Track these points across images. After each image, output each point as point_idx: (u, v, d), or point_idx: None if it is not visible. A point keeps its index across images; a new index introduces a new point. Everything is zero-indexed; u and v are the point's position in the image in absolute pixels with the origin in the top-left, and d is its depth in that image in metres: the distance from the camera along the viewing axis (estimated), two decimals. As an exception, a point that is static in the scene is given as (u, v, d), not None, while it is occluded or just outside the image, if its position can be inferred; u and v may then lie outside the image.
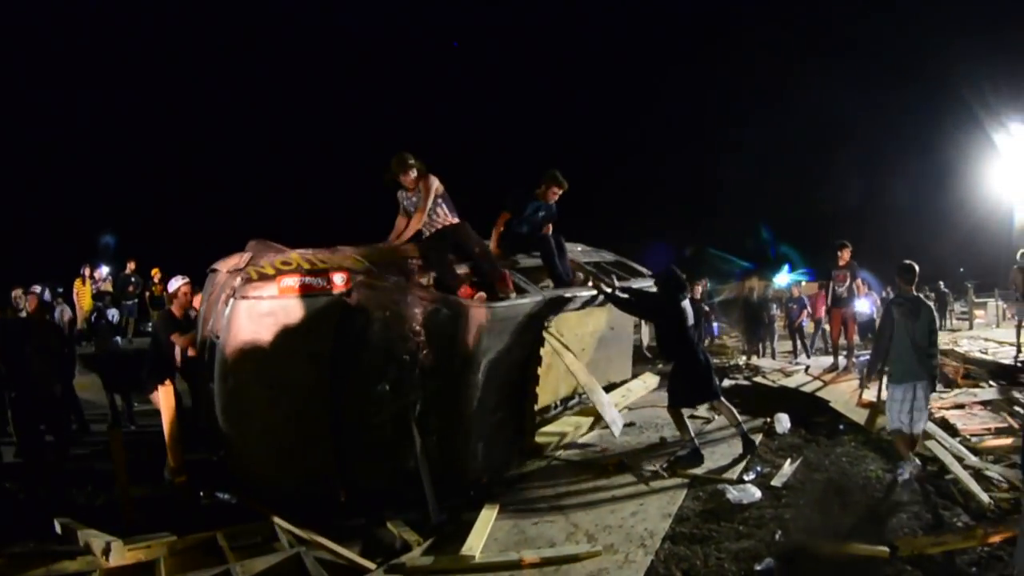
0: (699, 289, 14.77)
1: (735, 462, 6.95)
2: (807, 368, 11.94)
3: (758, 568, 4.62)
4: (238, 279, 5.89)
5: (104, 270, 17.29)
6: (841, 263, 11.57)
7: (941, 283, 23.43)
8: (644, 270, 10.36)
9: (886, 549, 4.70)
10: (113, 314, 10.64)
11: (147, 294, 17.46)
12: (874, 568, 4.57)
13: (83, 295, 15.66)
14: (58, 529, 5.29)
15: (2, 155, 33.16)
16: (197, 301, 7.41)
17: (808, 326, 16.40)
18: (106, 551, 4.66)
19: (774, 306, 16.42)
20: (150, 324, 7.36)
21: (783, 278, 15.24)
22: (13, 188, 33.00)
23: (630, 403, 9.67)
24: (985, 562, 4.59)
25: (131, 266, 17.10)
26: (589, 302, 8.13)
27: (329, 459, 5.87)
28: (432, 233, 7.13)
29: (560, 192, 8.26)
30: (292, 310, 5.73)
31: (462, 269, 7.07)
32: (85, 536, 4.92)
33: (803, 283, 16.49)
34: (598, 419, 8.37)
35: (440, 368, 6.12)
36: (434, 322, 6.06)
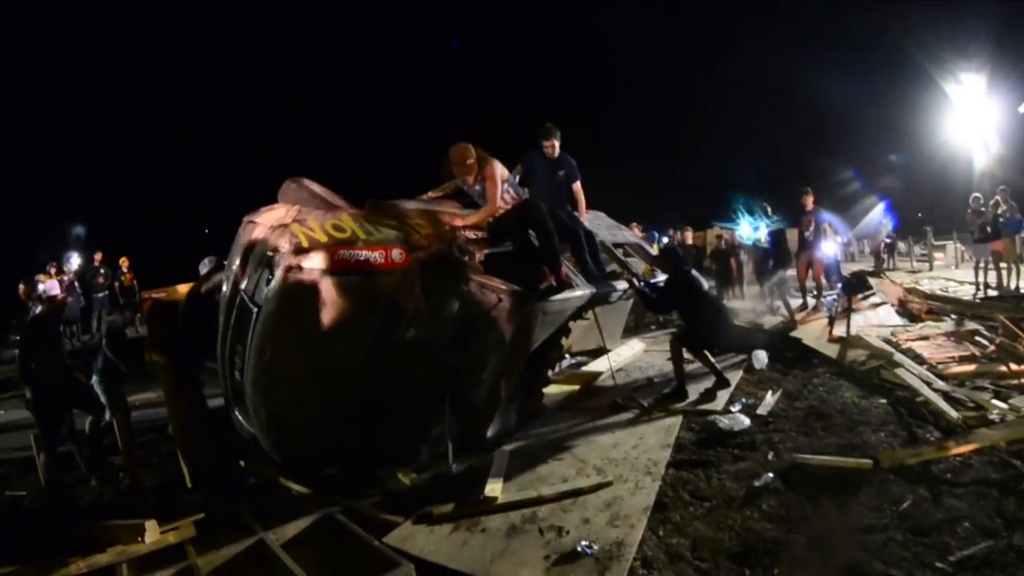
0: (689, 235, 15.12)
1: (718, 397, 7.37)
2: (777, 308, 12.43)
3: (756, 484, 5.02)
4: (285, 241, 5.34)
5: (75, 261, 16.58)
6: (807, 209, 12.00)
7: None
8: (652, 251, 10.61)
9: (869, 461, 5.08)
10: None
11: (116, 284, 17.03)
12: (860, 479, 4.95)
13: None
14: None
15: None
16: None
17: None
18: (141, 532, 4.66)
19: (742, 252, 16.74)
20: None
21: (746, 229, 15.47)
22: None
23: (621, 364, 9.92)
24: (958, 469, 4.99)
25: (98, 257, 16.75)
26: (621, 295, 8.18)
27: (358, 433, 5.73)
28: (509, 212, 6.75)
29: (554, 142, 7.70)
30: (344, 286, 5.29)
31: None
32: (109, 528, 4.91)
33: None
34: (587, 384, 8.73)
35: (487, 355, 6.15)
36: (491, 312, 5.98)
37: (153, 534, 4.70)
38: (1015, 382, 7.01)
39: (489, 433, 6.61)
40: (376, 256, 5.43)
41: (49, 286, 7.23)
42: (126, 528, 4.77)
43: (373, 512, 5.13)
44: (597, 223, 9.33)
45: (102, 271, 16.52)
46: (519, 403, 7.18)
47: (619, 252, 9.24)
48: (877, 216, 24.72)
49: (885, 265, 22.80)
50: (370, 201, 6.12)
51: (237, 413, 6.07)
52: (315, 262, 5.23)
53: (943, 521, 4.26)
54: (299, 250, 5.25)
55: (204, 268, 7.42)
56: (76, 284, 15.52)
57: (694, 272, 7.84)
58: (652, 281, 8.50)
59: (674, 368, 7.74)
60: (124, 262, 17.29)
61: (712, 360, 7.74)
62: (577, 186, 8.04)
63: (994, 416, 5.93)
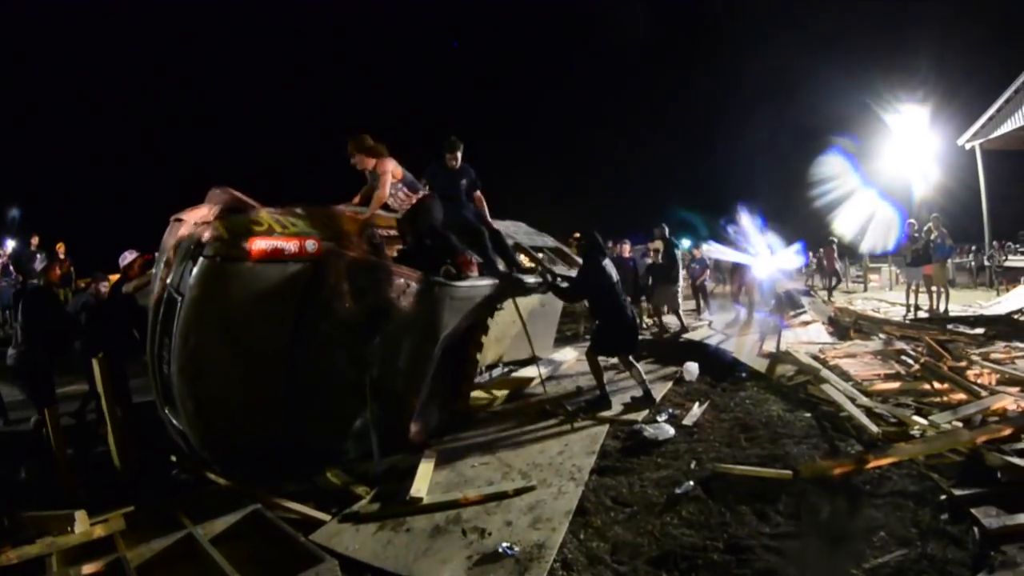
0: (627, 248, 15.26)
1: (643, 407, 7.51)
2: (710, 323, 12.61)
3: (677, 491, 5.10)
4: (207, 234, 5.49)
5: (9, 245, 16.43)
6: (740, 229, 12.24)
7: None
8: (577, 259, 10.69)
9: (790, 472, 5.17)
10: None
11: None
12: (780, 489, 5.03)
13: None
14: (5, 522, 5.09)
15: None
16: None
17: (710, 285, 17.06)
18: (70, 523, 4.62)
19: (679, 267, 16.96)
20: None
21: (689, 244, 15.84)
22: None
23: (552, 372, 9.97)
24: (877, 481, 5.11)
25: (35, 241, 16.29)
26: (535, 288, 8.30)
27: (281, 421, 5.82)
28: (407, 211, 7.16)
29: (456, 154, 8.17)
30: (261, 274, 5.48)
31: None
32: (38, 519, 4.85)
33: (703, 246, 17.09)
34: (516, 390, 8.88)
35: (400, 339, 6.33)
36: (400, 296, 6.23)
37: (83, 525, 4.66)
38: (937, 400, 7.21)
39: (413, 429, 6.73)
40: (291, 246, 5.61)
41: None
42: (55, 519, 4.73)
43: (300, 510, 5.17)
44: (516, 230, 9.59)
45: (39, 256, 15.89)
46: (443, 401, 7.34)
47: (539, 255, 9.43)
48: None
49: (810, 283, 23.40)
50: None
51: (167, 412, 6.11)
52: (233, 252, 5.38)
53: (859, 530, 4.39)
54: (219, 239, 5.39)
55: (124, 260, 7.39)
56: (11, 268, 15.11)
57: (607, 263, 7.94)
58: (565, 274, 8.70)
59: (594, 377, 7.87)
60: (61, 247, 16.54)
61: (643, 376, 7.87)
62: (478, 194, 8.45)
63: (915, 431, 6.07)
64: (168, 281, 5.82)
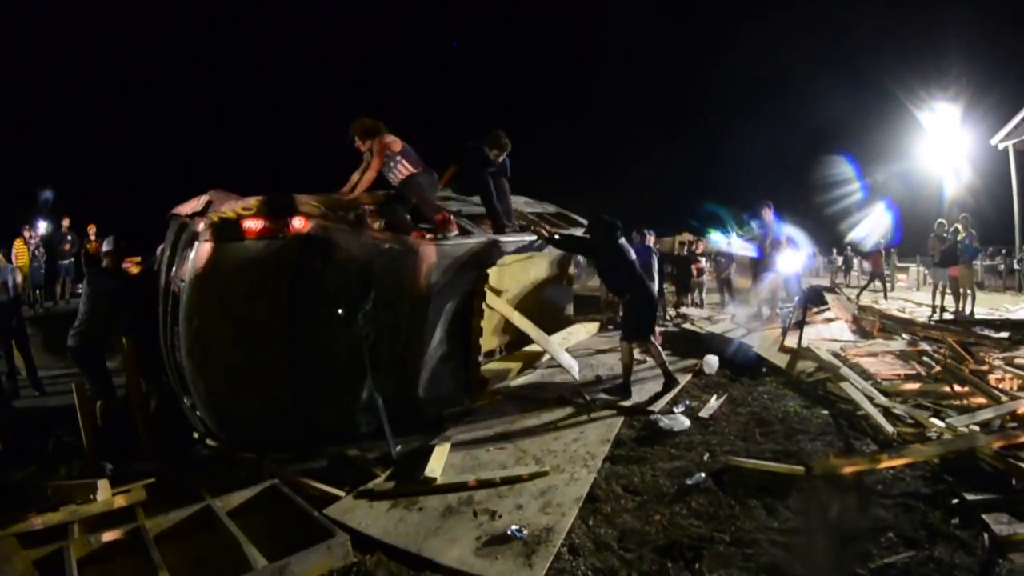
0: (652, 239, 15.24)
1: (661, 397, 7.51)
2: (733, 316, 12.57)
3: (688, 482, 5.14)
4: (201, 223, 5.93)
5: (42, 227, 16.54)
6: (766, 222, 12.14)
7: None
8: (583, 220, 10.75)
9: (802, 468, 5.19)
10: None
11: (83, 252, 16.56)
12: (791, 484, 5.05)
13: (22, 255, 14.71)
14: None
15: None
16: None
17: (736, 279, 16.98)
18: (93, 491, 4.90)
19: (703, 259, 16.86)
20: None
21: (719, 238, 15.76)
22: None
23: (570, 346, 10.05)
24: (889, 482, 5.12)
25: (66, 223, 16.37)
26: (528, 247, 8.57)
27: (290, 395, 6.13)
28: (400, 183, 7.48)
29: (503, 154, 8.48)
30: (253, 251, 5.84)
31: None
32: (62, 487, 5.11)
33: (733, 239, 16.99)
34: (529, 362, 9.03)
35: (392, 303, 6.54)
36: (386, 260, 6.45)
37: (104, 494, 4.92)
38: (956, 402, 7.15)
39: (423, 400, 6.99)
40: (280, 224, 5.94)
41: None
42: (78, 487, 4.98)
43: (316, 485, 5.30)
44: (518, 200, 9.95)
45: (69, 237, 16.12)
46: (453, 371, 7.51)
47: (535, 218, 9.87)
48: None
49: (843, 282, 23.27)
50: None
51: (185, 400, 6.52)
52: (225, 233, 5.77)
53: (868, 530, 4.39)
54: (213, 224, 5.78)
55: (106, 247, 7.30)
56: (40, 249, 15.26)
57: (622, 241, 7.94)
58: (563, 232, 8.96)
59: (623, 365, 7.83)
60: (92, 228, 16.84)
61: (661, 354, 7.86)
62: (502, 181, 8.87)
63: (931, 433, 6.04)
64: (174, 272, 6.33)
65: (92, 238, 16.65)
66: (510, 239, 8.17)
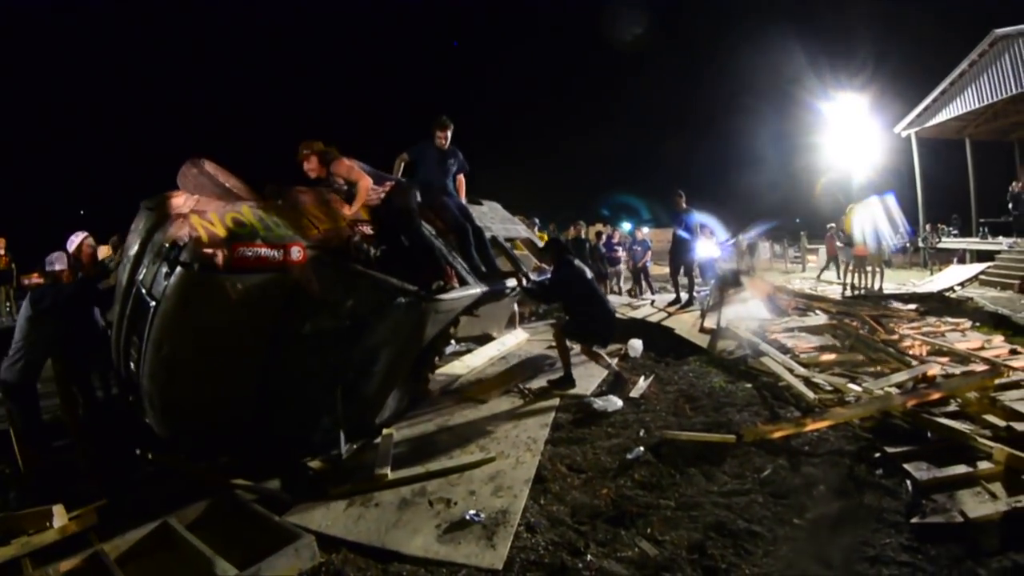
0: (582, 229, 15.44)
1: (598, 385, 7.78)
2: (652, 302, 12.92)
3: (629, 457, 5.40)
4: (183, 234, 5.09)
5: None
6: (679, 209, 12.45)
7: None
8: (539, 242, 10.72)
9: (733, 436, 5.51)
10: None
11: None
12: (725, 452, 5.36)
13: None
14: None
15: None
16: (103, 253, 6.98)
17: (652, 267, 17.36)
18: (48, 518, 4.61)
19: (620, 248, 17.19)
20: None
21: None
22: None
23: (505, 352, 10.16)
24: (815, 443, 5.50)
25: None
26: (510, 292, 8.24)
27: (252, 421, 5.63)
28: (381, 203, 6.74)
29: (447, 133, 7.86)
30: (242, 284, 5.10)
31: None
32: (12, 519, 4.72)
33: (645, 228, 17.40)
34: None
35: (379, 349, 6.18)
36: (385, 309, 5.97)
37: (61, 520, 4.66)
38: (871, 369, 7.62)
39: (379, 419, 6.77)
40: (275, 253, 5.31)
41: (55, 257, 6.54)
42: (30, 517, 4.68)
43: (270, 492, 5.29)
44: (492, 216, 9.56)
45: None
46: (407, 388, 7.33)
47: (509, 246, 9.40)
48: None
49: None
50: (269, 186, 6.12)
51: (131, 400, 5.97)
52: (212, 260, 5.00)
53: (801, 485, 4.72)
54: (198, 243, 5.01)
55: (71, 244, 6.90)
56: None
57: (578, 263, 8.01)
58: (538, 279, 8.63)
59: (560, 357, 7.88)
60: (0, 243, 15.84)
61: (603, 355, 8.02)
62: (460, 178, 8.39)
63: (850, 398, 6.43)
64: (139, 278, 5.39)
65: (1, 252, 15.82)
66: (500, 287, 7.75)
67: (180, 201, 5.50)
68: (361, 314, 5.78)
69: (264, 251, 5.24)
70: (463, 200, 8.38)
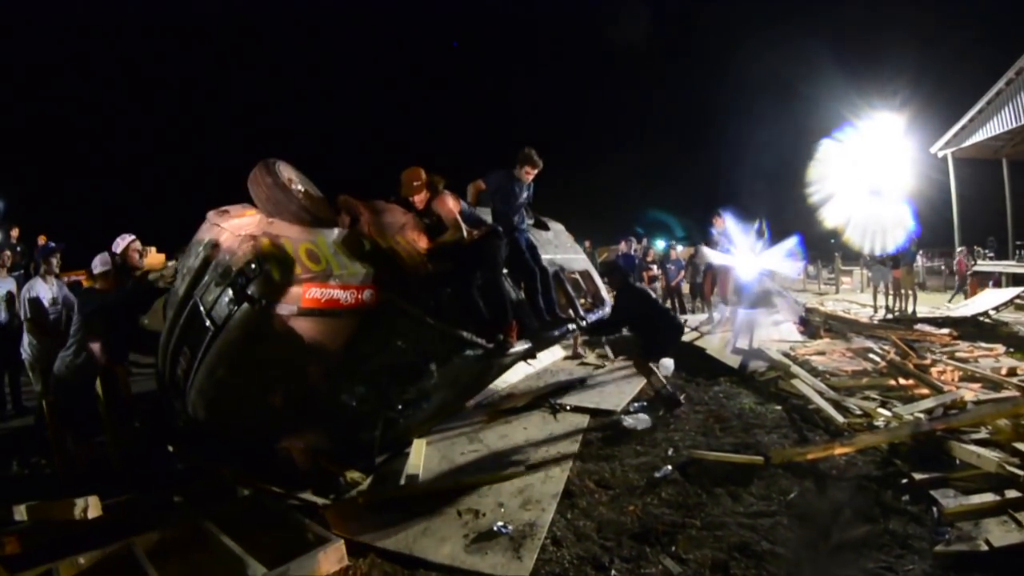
0: (633, 245, 15.42)
1: (623, 398, 7.90)
2: (685, 321, 12.92)
3: (657, 475, 5.46)
4: (252, 257, 4.85)
5: None
6: (717, 230, 12.49)
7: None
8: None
9: (761, 458, 5.53)
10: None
11: (32, 264, 14.47)
12: (752, 473, 5.39)
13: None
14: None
15: None
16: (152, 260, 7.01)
17: (685, 286, 17.28)
18: (84, 509, 4.58)
19: (655, 267, 17.17)
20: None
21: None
22: None
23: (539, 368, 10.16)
24: (843, 467, 5.52)
25: (15, 233, 15.39)
26: (565, 334, 7.82)
27: (289, 431, 5.61)
28: (471, 245, 6.18)
29: (534, 171, 7.32)
30: (310, 325, 4.90)
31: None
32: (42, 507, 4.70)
33: (679, 247, 17.32)
34: None
35: (434, 391, 6.01)
36: (447, 357, 5.78)
37: (95, 511, 4.63)
38: (901, 394, 7.56)
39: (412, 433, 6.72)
40: (347, 295, 5.07)
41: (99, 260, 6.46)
42: (64, 506, 4.64)
43: (300, 495, 5.33)
44: (557, 243, 9.15)
45: (18, 248, 14.81)
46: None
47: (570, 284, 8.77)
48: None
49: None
50: (341, 197, 5.89)
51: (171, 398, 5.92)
52: (283, 299, 4.80)
53: (827, 509, 4.74)
54: (268, 279, 4.77)
55: (117, 247, 6.59)
56: None
57: (640, 285, 8.04)
58: (594, 317, 8.29)
59: (652, 382, 7.79)
60: (42, 240, 15.20)
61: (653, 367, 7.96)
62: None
63: (879, 422, 6.44)
64: (199, 295, 5.22)
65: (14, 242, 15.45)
66: (555, 335, 7.32)
67: (249, 221, 5.39)
68: (422, 357, 5.62)
69: (336, 293, 5.02)
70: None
